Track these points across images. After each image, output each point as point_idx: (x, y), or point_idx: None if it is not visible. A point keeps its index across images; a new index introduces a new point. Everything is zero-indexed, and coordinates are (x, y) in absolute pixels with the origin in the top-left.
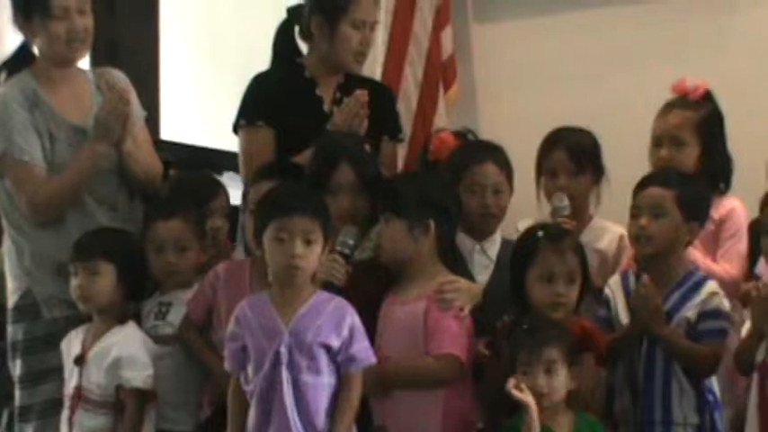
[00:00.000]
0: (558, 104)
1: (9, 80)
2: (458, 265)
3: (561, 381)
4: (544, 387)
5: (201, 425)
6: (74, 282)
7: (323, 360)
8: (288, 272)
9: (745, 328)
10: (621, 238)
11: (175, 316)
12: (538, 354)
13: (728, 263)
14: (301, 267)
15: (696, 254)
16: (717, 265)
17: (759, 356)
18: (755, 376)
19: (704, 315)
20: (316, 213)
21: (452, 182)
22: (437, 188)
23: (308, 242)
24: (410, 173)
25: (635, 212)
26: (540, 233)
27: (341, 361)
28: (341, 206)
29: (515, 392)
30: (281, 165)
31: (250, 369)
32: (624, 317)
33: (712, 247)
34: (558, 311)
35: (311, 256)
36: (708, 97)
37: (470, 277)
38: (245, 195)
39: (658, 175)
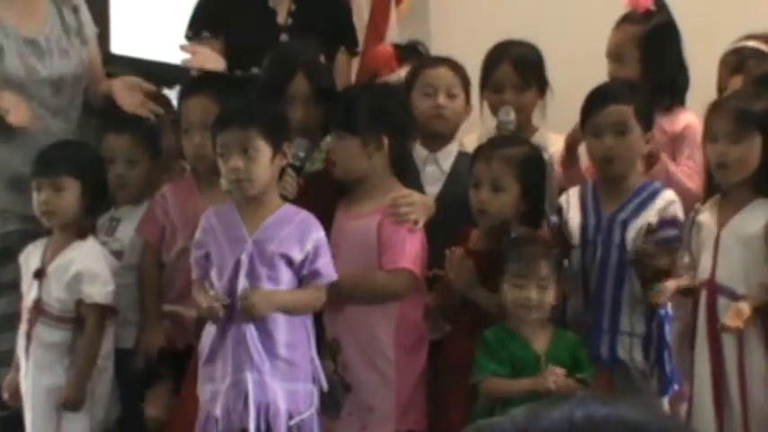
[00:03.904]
0: (511, 17)
1: None
2: (410, 177)
3: (551, 296)
4: (535, 301)
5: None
6: (38, 197)
7: (283, 271)
8: (235, 186)
9: None
10: None
11: (123, 232)
12: (533, 269)
13: (694, 183)
14: (244, 180)
15: (668, 160)
16: (689, 180)
17: (704, 274)
18: (703, 293)
19: (665, 223)
20: (249, 123)
21: (407, 90)
22: (390, 101)
23: (247, 154)
24: (361, 85)
25: (596, 132)
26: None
27: (306, 275)
28: (295, 117)
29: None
30: (212, 78)
31: (213, 275)
32: (576, 226)
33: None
34: (484, 219)
35: (254, 167)
36: (657, 9)
37: (420, 190)
38: (178, 112)
39: (613, 91)
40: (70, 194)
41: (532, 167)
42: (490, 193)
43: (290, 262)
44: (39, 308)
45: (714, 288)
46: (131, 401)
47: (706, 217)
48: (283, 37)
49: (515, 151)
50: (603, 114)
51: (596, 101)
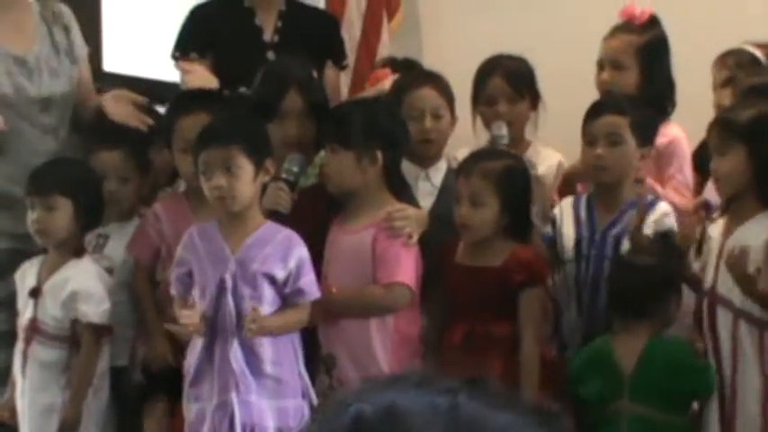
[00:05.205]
0: (503, 32)
1: None
2: (404, 192)
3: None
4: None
5: (135, 388)
6: (31, 216)
7: (265, 290)
8: (217, 204)
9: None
10: (560, 164)
11: (112, 249)
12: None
13: (682, 196)
14: (228, 197)
15: (654, 184)
16: (677, 196)
17: (706, 284)
18: (705, 302)
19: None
20: (231, 141)
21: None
22: (383, 115)
23: (230, 171)
24: (355, 100)
25: (590, 140)
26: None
27: (289, 293)
28: (289, 133)
29: None
30: (205, 95)
31: (195, 293)
32: (570, 239)
33: (653, 172)
34: (466, 234)
35: (237, 185)
36: (653, 22)
37: (416, 204)
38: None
39: (611, 102)
40: (63, 214)
41: (513, 180)
42: (470, 208)
43: (272, 281)
44: (34, 326)
45: (714, 298)
46: (127, 420)
47: (715, 227)
48: (270, 54)
49: (494, 165)
50: (598, 123)
51: (593, 110)
